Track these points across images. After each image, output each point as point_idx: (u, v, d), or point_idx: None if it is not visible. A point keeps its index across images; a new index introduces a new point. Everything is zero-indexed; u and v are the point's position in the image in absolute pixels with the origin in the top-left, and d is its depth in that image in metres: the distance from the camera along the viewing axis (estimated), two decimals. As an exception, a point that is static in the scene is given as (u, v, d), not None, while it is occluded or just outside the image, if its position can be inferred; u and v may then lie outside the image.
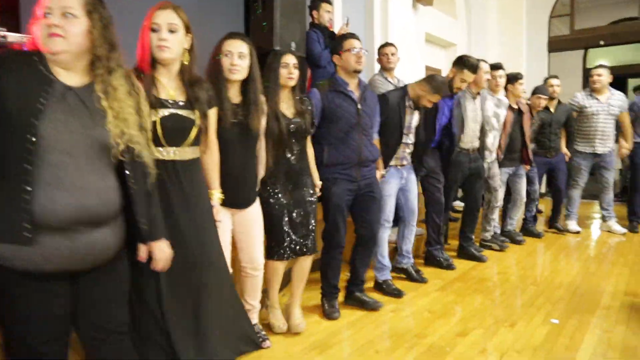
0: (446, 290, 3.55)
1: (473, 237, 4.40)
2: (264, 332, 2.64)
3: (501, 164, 4.55)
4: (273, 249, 2.67)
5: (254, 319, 2.62)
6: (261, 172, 2.56)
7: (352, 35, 2.98)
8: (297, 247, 2.69)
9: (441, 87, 3.30)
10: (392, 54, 4.17)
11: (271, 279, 2.76)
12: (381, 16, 5.16)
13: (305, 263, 2.82)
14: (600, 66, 5.16)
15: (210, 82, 2.21)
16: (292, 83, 2.64)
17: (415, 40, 5.72)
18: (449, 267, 4.01)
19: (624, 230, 5.26)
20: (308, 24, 4.19)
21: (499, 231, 4.85)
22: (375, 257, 3.44)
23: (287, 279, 3.10)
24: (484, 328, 2.88)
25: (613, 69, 5.33)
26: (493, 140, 4.36)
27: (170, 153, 1.95)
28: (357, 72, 2.93)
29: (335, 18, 4.78)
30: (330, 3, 4.26)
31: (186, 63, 1.98)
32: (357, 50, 2.89)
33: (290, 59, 2.63)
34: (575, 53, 8.21)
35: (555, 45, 7.85)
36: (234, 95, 2.35)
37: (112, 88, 1.48)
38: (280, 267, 2.73)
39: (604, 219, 5.47)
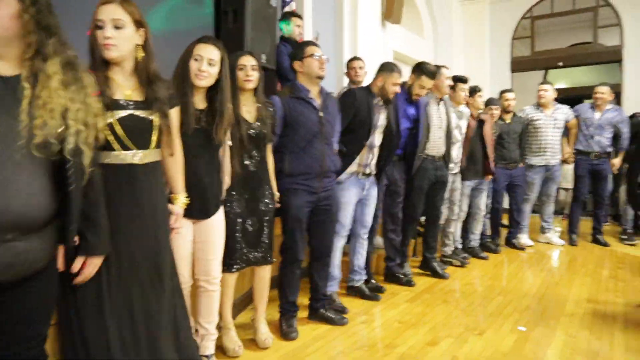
0: (415, 301, 3.56)
1: (436, 246, 4.35)
2: None
3: (464, 177, 4.58)
4: (224, 260, 2.49)
5: (210, 348, 2.39)
6: (227, 180, 2.46)
7: (313, 42, 2.95)
8: (247, 258, 2.58)
9: (389, 65, 3.38)
10: (360, 68, 4.23)
11: (222, 295, 2.54)
12: (350, 32, 5.25)
13: (263, 273, 2.72)
14: (546, 82, 5.40)
15: (176, 84, 2.14)
16: (250, 85, 2.53)
17: (384, 58, 5.82)
18: (409, 283, 3.90)
19: (563, 242, 5.42)
20: (278, 38, 4.22)
21: (460, 246, 4.83)
22: (330, 266, 3.26)
23: (248, 299, 3.03)
24: (454, 337, 2.90)
25: (571, 90, 5.57)
26: (457, 151, 4.39)
27: (128, 156, 1.78)
28: (320, 78, 2.86)
29: (305, 33, 4.83)
30: (300, 17, 4.31)
31: (139, 59, 1.83)
32: (320, 55, 2.84)
33: (247, 61, 2.53)
34: (536, 74, 8.52)
35: (518, 65, 8.13)
36: (199, 100, 2.25)
37: (46, 76, 1.35)
38: (230, 280, 2.57)
39: (542, 230, 5.58)
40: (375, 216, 3.67)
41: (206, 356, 2.38)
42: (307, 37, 4.78)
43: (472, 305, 3.51)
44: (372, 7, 5.58)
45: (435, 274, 4.18)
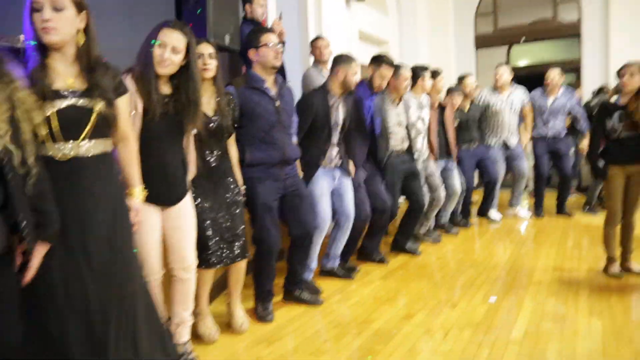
0: (390, 278, 3.62)
1: (411, 234, 4.37)
2: (194, 354, 2.35)
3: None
4: (199, 256, 2.42)
5: (185, 335, 2.35)
6: (192, 169, 2.36)
7: (268, 30, 2.88)
8: (224, 254, 2.50)
9: (345, 56, 3.33)
10: (325, 47, 4.20)
11: (199, 288, 2.52)
12: (315, 12, 5.19)
13: (239, 267, 2.65)
14: (502, 65, 5.48)
15: (139, 71, 2.06)
16: (209, 74, 2.44)
17: (349, 37, 5.80)
18: (382, 261, 3.96)
19: (529, 215, 5.60)
20: (241, 19, 4.13)
21: (433, 224, 4.86)
22: (310, 251, 3.24)
23: (222, 285, 2.99)
24: (428, 310, 2.96)
25: (534, 67, 5.69)
26: (422, 142, 4.38)
27: (68, 149, 1.65)
28: (275, 68, 2.80)
29: (270, 13, 4.75)
30: (263, -3, 4.22)
31: (81, 45, 1.70)
32: (275, 44, 2.77)
33: (205, 49, 2.42)
34: (499, 50, 8.64)
35: (481, 42, 8.23)
36: (164, 85, 2.16)
37: None
38: (207, 275, 2.54)
39: (510, 204, 5.72)
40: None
41: (182, 343, 2.34)
42: (271, 16, 4.70)
43: (445, 278, 3.58)
44: (336, -15, 5.53)
45: (406, 251, 4.23)
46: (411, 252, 4.21)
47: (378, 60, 3.72)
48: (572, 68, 7.93)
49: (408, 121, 4.14)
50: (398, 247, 4.29)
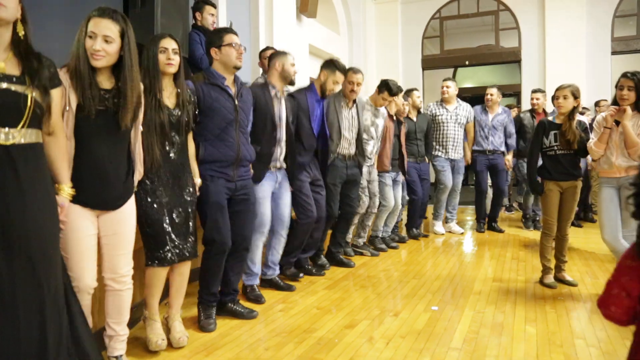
0: (334, 288, 3.60)
1: (344, 243, 4.39)
2: None
3: (386, 170, 4.69)
4: (153, 254, 2.38)
5: (118, 349, 2.22)
6: (140, 169, 2.25)
7: (232, 30, 2.85)
8: (179, 251, 2.43)
9: (278, 51, 3.38)
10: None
11: (151, 287, 2.46)
12: (266, 23, 5.22)
13: (184, 269, 2.56)
14: (449, 79, 5.71)
15: (73, 65, 1.96)
16: (172, 70, 2.41)
17: (299, 50, 5.85)
18: (319, 272, 3.94)
19: (462, 231, 5.75)
20: (190, 26, 4.09)
21: (381, 235, 4.93)
22: (245, 261, 3.19)
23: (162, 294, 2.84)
24: (371, 319, 2.96)
25: (477, 89, 5.97)
26: (372, 148, 4.44)
27: (1, 135, 1.61)
28: (237, 68, 2.78)
29: (220, 22, 4.73)
30: (214, 6, 4.21)
31: (21, 35, 1.69)
32: (239, 45, 2.77)
33: (169, 44, 2.40)
34: (445, 71, 8.97)
35: (428, 63, 8.51)
36: (104, 79, 2.05)
37: None
38: (162, 273, 2.45)
39: (446, 220, 5.85)
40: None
41: (115, 357, 2.22)
42: (221, 25, 4.68)
43: (389, 289, 3.60)
44: None
45: (341, 264, 4.22)
46: (345, 265, 4.20)
47: (332, 66, 3.71)
48: (514, 92, 8.34)
49: (361, 124, 4.16)
50: (332, 259, 4.24)
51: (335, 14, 7.32)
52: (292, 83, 3.40)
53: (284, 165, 3.40)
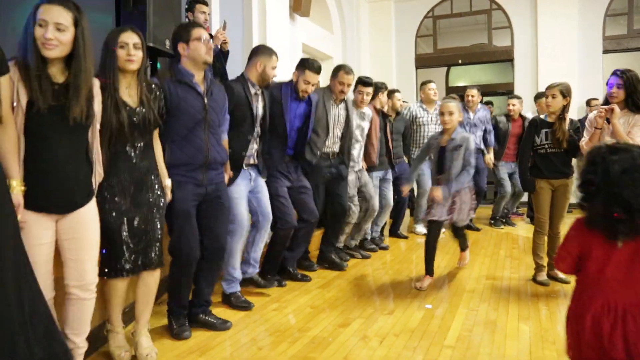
0: (328, 287, 3.60)
1: (336, 242, 4.28)
2: None
3: (372, 168, 4.62)
4: (110, 265, 2.22)
5: None
6: (99, 170, 2.09)
7: (199, 25, 2.70)
8: (139, 261, 2.27)
9: (267, 48, 3.27)
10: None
11: (110, 299, 2.31)
12: (259, 22, 5.20)
13: (150, 279, 2.36)
14: (431, 81, 5.65)
15: (22, 56, 1.82)
16: (133, 66, 2.22)
17: (293, 49, 5.84)
18: (304, 278, 3.77)
19: (444, 230, 5.62)
20: (183, 24, 4.07)
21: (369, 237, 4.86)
22: (226, 268, 3.09)
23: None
24: (365, 317, 2.96)
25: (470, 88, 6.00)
26: (359, 151, 4.36)
27: None
28: (206, 64, 2.62)
29: (213, 22, 4.71)
30: (205, 4, 4.19)
31: None
32: (207, 39, 2.60)
33: (129, 38, 2.20)
34: (439, 70, 8.98)
35: (421, 62, 8.52)
36: (57, 72, 1.90)
37: None
38: (119, 285, 2.30)
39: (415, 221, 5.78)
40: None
41: None
42: (215, 25, 4.67)
43: (382, 287, 3.61)
44: (280, -2, 5.57)
45: (333, 265, 4.09)
46: (338, 268, 4.06)
47: (303, 65, 3.56)
48: (506, 90, 8.36)
49: (350, 123, 4.07)
50: (324, 258, 4.15)
51: (329, 13, 7.31)
52: (267, 86, 3.30)
53: (256, 162, 3.24)
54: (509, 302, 3.22)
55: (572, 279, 3.58)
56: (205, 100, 2.61)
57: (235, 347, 2.55)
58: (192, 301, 2.79)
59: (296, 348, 2.54)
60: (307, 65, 3.54)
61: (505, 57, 8.14)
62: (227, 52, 4.15)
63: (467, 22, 8.81)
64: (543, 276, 3.63)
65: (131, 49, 2.21)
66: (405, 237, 5.42)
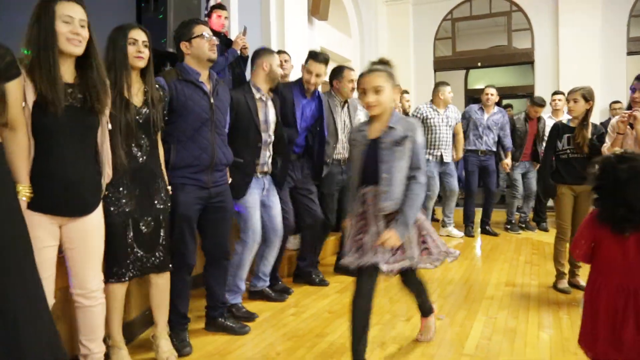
0: (346, 292, 3.60)
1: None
2: None
3: None
4: (111, 269, 2.17)
5: None
6: (108, 172, 2.07)
7: (201, 21, 2.65)
8: (141, 264, 2.24)
9: (265, 49, 3.18)
10: (285, 61, 4.19)
11: (111, 309, 2.22)
12: (277, 27, 5.23)
13: (161, 281, 2.36)
14: (444, 83, 5.61)
15: (37, 53, 1.78)
16: (142, 64, 2.21)
17: (311, 54, 5.85)
18: (322, 283, 3.73)
19: (462, 234, 5.67)
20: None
21: None
22: (233, 278, 3.01)
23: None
24: (383, 324, 2.95)
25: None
26: None
27: None
28: (211, 61, 2.57)
29: (232, 27, 4.75)
30: (224, 9, 4.22)
31: None
32: (210, 36, 2.56)
33: (139, 35, 2.20)
34: (458, 73, 8.92)
35: (440, 64, 8.48)
36: (66, 73, 1.89)
37: None
38: (118, 291, 2.23)
39: (443, 224, 5.75)
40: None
41: None
42: (234, 30, 4.71)
43: (400, 293, 3.56)
44: (298, 1, 5.59)
45: (350, 273, 3.87)
46: (351, 273, 3.93)
47: (308, 56, 3.55)
48: (527, 93, 8.26)
49: (352, 125, 3.94)
50: (337, 267, 4.05)
51: (347, 16, 7.32)
52: (277, 86, 3.23)
53: (270, 170, 3.18)
54: (529, 309, 3.17)
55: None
56: (212, 100, 2.57)
57: (254, 352, 2.57)
58: (208, 305, 2.79)
59: (314, 353, 2.54)
60: (311, 55, 3.53)
61: (525, 60, 8.05)
62: (247, 57, 4.17)
63: (486, 25, 8.73)
64: (564, 284, 3.57)
65: (141, 46, 2.20)
66: None
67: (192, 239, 2.53)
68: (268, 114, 3.10)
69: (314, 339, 2.72)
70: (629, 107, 3.20)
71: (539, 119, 5.86)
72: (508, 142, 5.73)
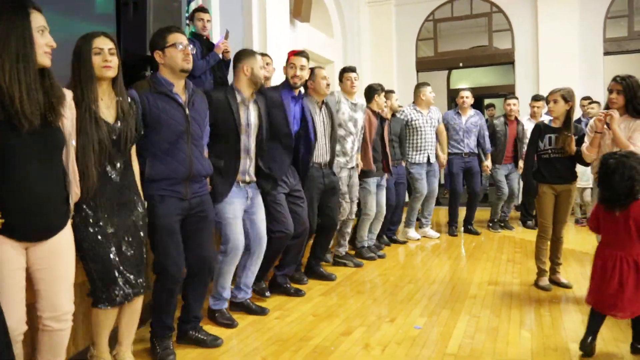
0: (329, 295, 3.61)
1: (324, 257, 4.19)
2: None
3: (369, 173, 4.51)
4: (102, 293, 2.09)
5: None
6: (76, 191, 1.95)
7: (177, 29, 2.52)
8: (131, 286, 2.14)
9: (246, 51, 3.10)
10: (267, 64, 4.18)
11: (99, 329, 2.19)
12: (259, 29, 5.22)
13: (136, 305, 2.27)
14: (425, 84, 5.64)
15: (8, 65, 1.66)
16: (111, 73, 2.07)
17: (294, 56, 5.85)
18: (297, 293, 3.59)
19: (438, 235, 5.71)
20: (189, 33, 4.09)
21: (368, 244, 4.77)
22: (215, 286, 2.97)
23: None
24: (367, 325, 2.97)
25: (472, 90, 6.02)
26: (352, 145, 4.19)
27: None
28: (185, 71, 2.45)
29: (214, 31, 4.74)
30: (206, 12, 4.20)
31: None
32: (185, 45, 2.44)
33: (104, 43, 2.06)
34: (440, 74, 8.99)
35: (422, 65, 8.53)
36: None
37: None
38: (112, 314, 2.20)
39: (421, 225, 5.76)
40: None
41: None
42: (216, 33, 4.69)
43: (384, 294, 3.61)
44: (280, 4, 5.59)
45: (322, 277, 3.98)
46: (326, 278, 3.96)
47: (287, 56, 3.54)
48: (508, 93, 8.36)
49: (335, 128, 3.88)
50: (312, 271, 4.02)
51: (329, 18, 7.33)
52: (261, 89, 3.16)
53: (254, 179, 3.08)
54: (511, 308, 3.22)
55: (573, 284, 3.62)
56: (187, 111, 2.47)
57: (238, 357, 2.56)
58: (181, 317, 2.70)
59: (299, 357, 2.54)
60: (293, 52, 3.52)
61: (506, 60, 8.15)
62: (229, 61, 4.15)
63: (467, 25, 8.82)
64: (545, 281, 3.62)
65: (107, 54, 2.07)
66: (404, 242, 5.43)
67: (176, 249, 2.44)
68: (249, 117, 3.00)
69: (299, 343, 2.72)
70: (607, 108, 3.26)
71: (518, 122, 5.95)
72: (487, 144, 5.81)
